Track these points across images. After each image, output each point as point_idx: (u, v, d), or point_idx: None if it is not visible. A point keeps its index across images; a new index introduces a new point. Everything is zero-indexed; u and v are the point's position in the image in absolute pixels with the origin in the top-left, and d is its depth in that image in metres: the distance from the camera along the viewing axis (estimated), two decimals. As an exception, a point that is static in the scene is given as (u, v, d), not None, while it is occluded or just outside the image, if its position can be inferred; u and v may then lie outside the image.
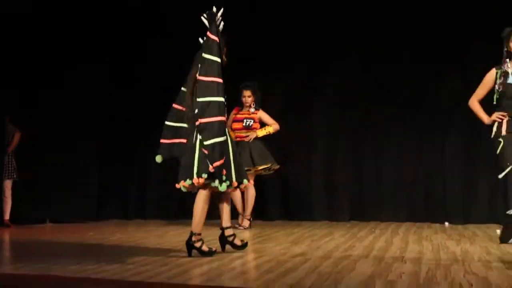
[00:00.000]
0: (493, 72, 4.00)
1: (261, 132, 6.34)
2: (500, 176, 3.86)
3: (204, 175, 3.99)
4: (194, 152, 4.06)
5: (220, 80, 3.97)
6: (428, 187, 6.91)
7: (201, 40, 4.17)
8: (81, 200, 7.44)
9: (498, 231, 5.72)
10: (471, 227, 6.35)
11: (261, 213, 7.42)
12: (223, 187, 3.99)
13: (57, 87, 7.31)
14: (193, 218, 4.12)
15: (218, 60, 4.00)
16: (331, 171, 7.30)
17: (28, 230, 6.62)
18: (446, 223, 6.63)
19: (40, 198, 7.06)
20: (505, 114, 3.92)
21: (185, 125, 4.22)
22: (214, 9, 4.11)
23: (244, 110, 6.45)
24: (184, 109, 4.23)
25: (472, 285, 3.08)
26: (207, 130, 3.96)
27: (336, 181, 7.27)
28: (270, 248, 4.69)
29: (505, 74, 3.90)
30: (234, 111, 6.39)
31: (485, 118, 4.05)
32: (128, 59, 7.64)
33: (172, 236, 5.73)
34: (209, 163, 3.94)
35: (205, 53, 4.03)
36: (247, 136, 6.30)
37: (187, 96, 4.18)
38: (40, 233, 6.41)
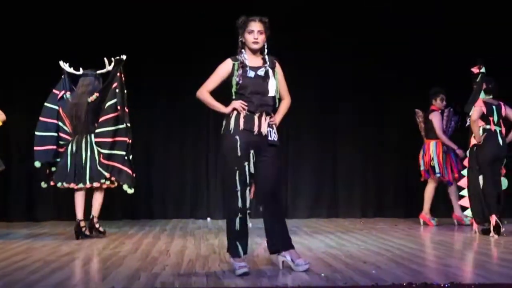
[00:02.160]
0: (228, 63, 3.51)
1: None
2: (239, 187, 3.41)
3: (103, 180, 5.22)
4: (86, 161, 5.20)
5: None
6: (194, 186, 7.41)
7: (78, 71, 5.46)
8: None
9: (250, 225, 6.50)
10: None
11: (31, 214, 7.08)
12: (132, 190, 5.30)
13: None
14: (94, 206, 5.33)
15: None
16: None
17: None
18: (208, 219, 7.23)
19: None
20: (245, 104, 3.46)
21: (53, 134, 5.31)
22: (124, 57, 5.29)
23: None
24: (53, 121, 5.33)
25: (224, 272, 3.53)
26: (130, 148, 5.29)
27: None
28: (38, 249, 4.61)
29: (243, 66, 3.48)
30: None
31: (222, 107, 3.51)
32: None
33: None
34: (129, 171, 5.27)
35: (124, 89, 5.28)
36: None
37: (81, 115, 5.23)
38: None
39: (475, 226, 5.41)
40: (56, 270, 3.60)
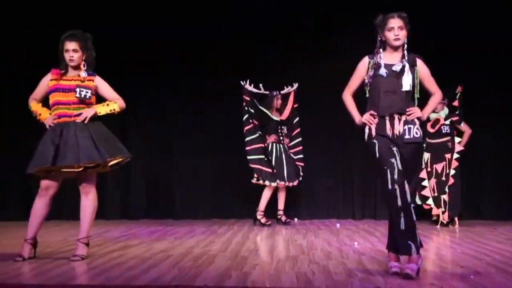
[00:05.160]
0: (366, 60, 3.50)
1: (103, 109, 4.19)
2: (390, 186, 3.28)
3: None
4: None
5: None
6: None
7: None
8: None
9: (338, 225, 6.47)
10: (316, 222, 7.02)
11: (126, 212, 7.44)
12: (275, 184, 6.66)
13: None
14: (262, 200, 6.63)
15: None
16: (192, 170, 7.50)
17: None
18: (296, 219, 7.20)
19: None
20: (374, 114, 3.44)
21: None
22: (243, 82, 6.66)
23: (72, 74, 4.18)
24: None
25: (314, 273, 3.49)
26: (263, 151, 6.76)
27: (199, 180, 7.49)
28: (134, 246, 4.79)
29: (377, 66, 3.44)
30: (51, 75, 4.19)
31: (356, 117, 3.54)
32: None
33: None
34: (268, 170, 6.70)
35: (249, 107, 6.78)
36: (80, 114, 4.10)
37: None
38: None
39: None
40: (152, 267, 3.72)
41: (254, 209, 7.24)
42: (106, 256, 4.22)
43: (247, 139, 6.69)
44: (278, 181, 6.64)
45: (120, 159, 4.22)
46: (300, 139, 6.93)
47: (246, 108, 6.74)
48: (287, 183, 6.66)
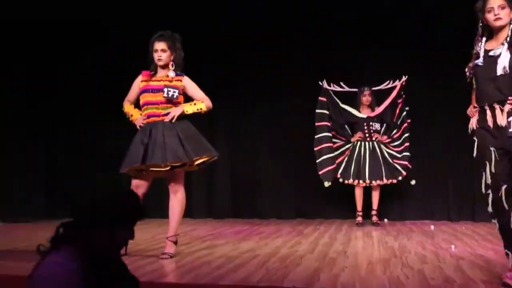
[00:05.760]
0: (472, 54, 3.33)
1: (190, 108, 4.23)
2: (484, 190, 3.12)
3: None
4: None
5: None
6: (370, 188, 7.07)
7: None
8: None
9: (432, 227, 6.16)
10: (408, 223, 6.71)
11: (211, 211, 7.55)
12: (328, 185, 6.57)
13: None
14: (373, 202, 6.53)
15: None
16: (276, 169, 7.45)
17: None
18: (385, 220, 6.92)
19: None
20: (476, 106, 3.25)
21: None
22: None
23: (161, 75, 4.28)
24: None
25: (408, 277, 3.31)
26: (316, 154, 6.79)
27: (282, 180, 7.43)
28: (221, 245, 4.81)
29: (477, 56, 3.22)
30: (142, 77, 4.31)
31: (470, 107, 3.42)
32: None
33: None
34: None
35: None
36: (168, 113, 4.18)
37: None
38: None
39: None
40: (239, 267, 3.71)
41: (340, 208, 7.10)
42: (194, 255, 4.27)
43: (316, 136, 6.62)
44: (352, 179, 6.44)
45: (206, 158, 4.25)
46: (406, 135, 6.55)
47: (316, 110, 6.62)
48: (367, 182, 6.38)
